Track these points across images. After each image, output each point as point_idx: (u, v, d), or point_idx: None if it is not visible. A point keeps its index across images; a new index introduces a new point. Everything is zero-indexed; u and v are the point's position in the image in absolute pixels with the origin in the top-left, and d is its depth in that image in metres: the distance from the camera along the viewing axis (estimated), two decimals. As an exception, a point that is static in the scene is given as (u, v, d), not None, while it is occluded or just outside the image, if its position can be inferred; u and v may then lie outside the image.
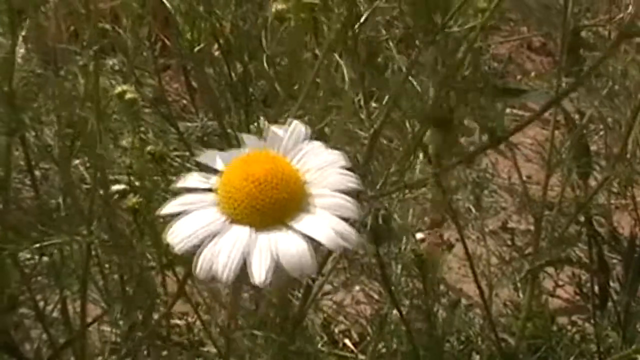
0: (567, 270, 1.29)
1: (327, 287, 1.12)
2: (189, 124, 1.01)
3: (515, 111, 1.26)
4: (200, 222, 0.32)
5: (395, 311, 0.98)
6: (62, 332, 0.78)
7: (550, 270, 1.27)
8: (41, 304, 0.77)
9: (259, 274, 0.31)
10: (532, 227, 1.01)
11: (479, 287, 1.03)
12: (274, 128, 0.35)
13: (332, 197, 0.33)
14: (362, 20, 0.56)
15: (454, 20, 0.59)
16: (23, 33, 0.89)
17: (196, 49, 0.68)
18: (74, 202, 0.65)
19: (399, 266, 0.89)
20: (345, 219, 0.33)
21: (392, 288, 0.82)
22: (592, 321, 1.04)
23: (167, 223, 0.34)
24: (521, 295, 1.14)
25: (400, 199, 0.99)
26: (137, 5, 0.88)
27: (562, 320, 1.25)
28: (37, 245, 0.65)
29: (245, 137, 0.36)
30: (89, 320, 0.81)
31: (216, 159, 0.34)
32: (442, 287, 1.21)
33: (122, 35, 0.92)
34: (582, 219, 1.03)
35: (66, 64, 1.01)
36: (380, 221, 0.70)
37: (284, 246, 0.31)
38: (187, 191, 0.34)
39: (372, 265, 0.97)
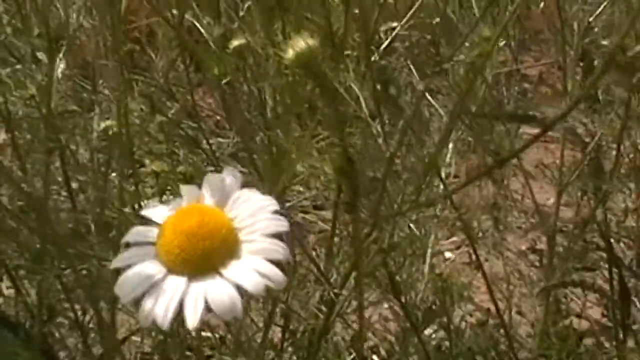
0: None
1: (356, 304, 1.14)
2: (221, 140, 1.03)
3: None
4: (141, 275, 0.35)
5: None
6: (97, 342, 0.80)
7: (579, 292, 1.27)
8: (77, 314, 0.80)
9: (193, 319, 0.35)
10: (560, 249, 1.02)
11: (496, 306, 1.04)
12: (208, 177, 0.38)
13: (261, 242, 0.36)
14: (382, 47, 0.58)
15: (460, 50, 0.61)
16: (63, 50, 0.92)
17: (223, 81, 0.71)
18: (112, 219, 0.67)
19: (422, 286, 0.90)
20: (274, 261, 0.36)
21: (405, 305, 0.83)
22: (614, 343, 1.05)
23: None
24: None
25: (425, 219, 1.01)
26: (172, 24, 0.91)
27: (589, 342, 1.25)
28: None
29: (183, 188, 0.38)
30: (122, 330, 0.83)
31: (157, 212, 0.37)
32: (469, 306, 1.22)
33: (156, 55, 0.95)
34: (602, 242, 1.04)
35: (104, 79, 1.05)
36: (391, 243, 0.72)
37: (213, 294, 0.35)
38: (132, 245, 0.37)
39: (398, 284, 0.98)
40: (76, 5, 0.79)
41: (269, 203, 0.38)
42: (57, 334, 0.85)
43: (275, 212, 0.37)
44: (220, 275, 0.35)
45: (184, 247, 0.35)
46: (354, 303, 1.02)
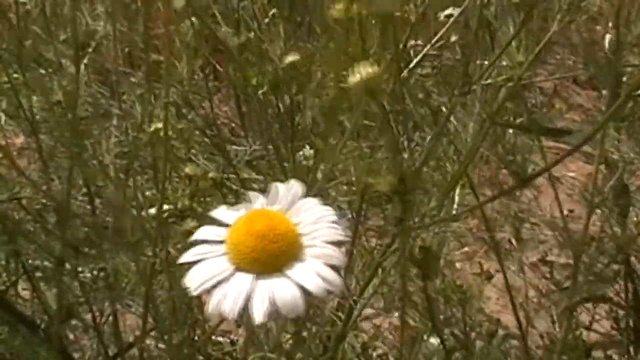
0: (605, 305, 1.30)
1: (368, 311, 1.15)
2: (237, 148, 1.05)
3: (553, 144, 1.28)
4: (212, 270, 0.39)
5: (431, 339, 1.00)
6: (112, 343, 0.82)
7: (588, 304, 1.28)
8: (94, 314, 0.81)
9: (258, 315, 0.37)
10: (571, 261, 1.03)
11: (517, 318, 1.05)
12: (275, 187, 0.42)
13: (322, 248, 0.39)
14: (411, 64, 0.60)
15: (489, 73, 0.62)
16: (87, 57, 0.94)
17: (260, 92, 0.72)
18: (139, 223, 0.69)
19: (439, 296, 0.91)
20: (333, 266, 0.39)
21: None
22: (625, 356, 1.05)
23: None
24: (557, 328, 1.16)
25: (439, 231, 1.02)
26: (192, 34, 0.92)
27: (598, 354, 1.26)
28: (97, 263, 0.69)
29: (251, 194, 0.42)
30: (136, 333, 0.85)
31: (227, 214, 0.41)
32: (480, 317, 1.23)
33: (176, 63, 0.96)
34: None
35: (123, 87, 1.06)
36: (427, 256, 0.73)
37: (279, 292, 0.38)
38: (202, 242, 0.40)
39: (409, 293, 0.99)
40: (99, 13, 0.81)
41: (329, 213, 0.41)
42: (71, 336, 0.86)
43: (334, 221, 0.40)
44: (285, 275, 0.38)
45: (254, 247, 0.38)
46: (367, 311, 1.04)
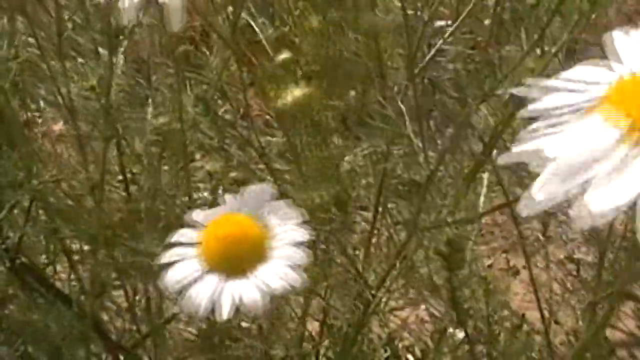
0: (630, 303, 1.31)
1: (393, 304, 1.16)
2: (270, 139, 1.07)
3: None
4: (183, 272, 0.42)
5: (456, 331, 1.02)
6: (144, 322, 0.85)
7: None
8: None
9: (225, 313, 0.41)
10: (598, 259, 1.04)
11: (542, 314, 1.06)
12: (246, 189, 0.45)
13: (286, 249, 0.43)
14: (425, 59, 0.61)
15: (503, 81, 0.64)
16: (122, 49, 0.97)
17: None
18: (168, 209, 0.72)
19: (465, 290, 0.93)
20: (296, 265, 0.43)
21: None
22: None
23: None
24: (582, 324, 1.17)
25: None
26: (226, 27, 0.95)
27: (622, 353, 1.27)
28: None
29: (225, 196, 0.45)
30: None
31: (201, 217, 0.44)
32: (505, 311, 1.25)
33: (210, 54, 0.99)
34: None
35: (158, 76, 1.09)
36: (453, 248, 0.75)
37: (245, 293, 0.41)
38: (177, 245, 0.44)
39: (438, 286, 1.01)
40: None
41: (295, 215, 0.44)
42: (105, 317, 0.89)
43: (300, 223, 0.44)
44: (251, 276, 0.42)
45: (222, 251, 0.42)
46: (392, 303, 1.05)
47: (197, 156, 1.01)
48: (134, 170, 0.91)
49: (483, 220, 1.36)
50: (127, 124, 0.90)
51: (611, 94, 0.25)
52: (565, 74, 0.29)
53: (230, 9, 0.88)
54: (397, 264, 0.73)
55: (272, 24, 0.88)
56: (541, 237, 1.52)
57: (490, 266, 1.60)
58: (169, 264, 0.43)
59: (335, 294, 0.83)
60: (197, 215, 0.44)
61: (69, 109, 0.81)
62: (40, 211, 0.84)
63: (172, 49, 1.09)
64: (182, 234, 0.44)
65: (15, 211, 0.80)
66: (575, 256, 1.51)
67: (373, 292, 0.77)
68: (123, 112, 0.90)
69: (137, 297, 0.84)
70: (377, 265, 0.85)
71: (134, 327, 0.84)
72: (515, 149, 0.27)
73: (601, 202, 0.23)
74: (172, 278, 0.42)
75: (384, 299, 0.97)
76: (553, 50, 0.60)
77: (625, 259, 1.00)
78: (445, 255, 0.83)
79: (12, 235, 0.77)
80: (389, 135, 0.65)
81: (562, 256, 1.55)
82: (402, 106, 0.62)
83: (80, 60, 0.93)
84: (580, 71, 0.29)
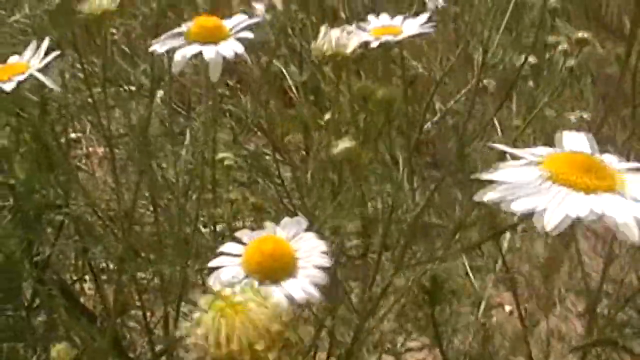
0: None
1: (412, 345, 1.20)
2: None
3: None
4: (227, 275, 0.52)
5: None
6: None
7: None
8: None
9: None
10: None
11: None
12: (285, 219, 0.55)
13: (311, 270, 0.52)
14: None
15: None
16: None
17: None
18: (192, 235, 0.78)
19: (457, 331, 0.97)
20: (317, 284, 0.52)
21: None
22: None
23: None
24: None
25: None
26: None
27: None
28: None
29: (267, 224, 0.55)
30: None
31: (247, 236, 0.54)
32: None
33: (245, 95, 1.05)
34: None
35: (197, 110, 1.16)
36: (436, 284, 0.80)
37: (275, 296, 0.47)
38: (225, 254, 0.54)
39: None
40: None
41: (321, 244, 0.54)
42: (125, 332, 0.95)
43: (324, 252, 0.54)
44: (280, 285, 0.51)
45: (261, 262, 0.52)
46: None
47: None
48: (165, 197, 0.97)
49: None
50: (163, 155, 0.96)
51: (546, 160, 0.42)
52: (527, 150, 0.44)
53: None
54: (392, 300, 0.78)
55: (300, 71, 0.95)
56: (562, 289, 1.55)
57: (511, 313, 1.63)
58: (216, 268, 0.53)
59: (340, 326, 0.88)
60: (242, 234, 0.54)
61: (107, 138, 0.88)
62: (72, 229, 0.90)
63: (212, 87, 1.16)
64: (229, 247, 0.54)
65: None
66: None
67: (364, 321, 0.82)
68: (159, 144, 0.97)
69: (155, 317, 0.89)
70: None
71: (152, 346, 0.90)
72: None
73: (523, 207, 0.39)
74: (216, 278, 0.52)
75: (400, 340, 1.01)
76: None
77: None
78: (428, 291, 0.88)
79: (42, 250, 0.83)
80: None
81: (580, 308, 1.58)
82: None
83: (125, 87, 1.00)
84: (537, 149, 0.45)
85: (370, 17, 0.75)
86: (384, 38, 0.71)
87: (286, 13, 0.82)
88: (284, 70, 1.00)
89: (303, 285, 0.51)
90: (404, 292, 0.72)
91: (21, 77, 0.68)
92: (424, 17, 0.72)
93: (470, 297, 1.28)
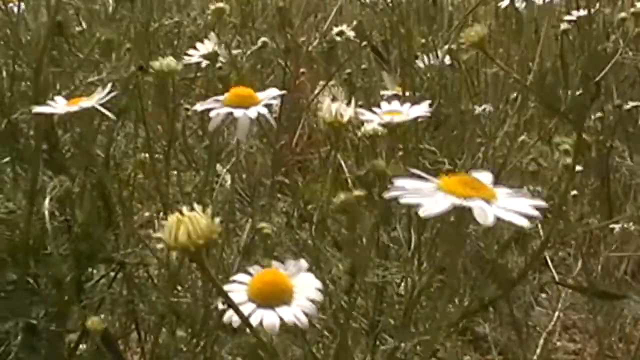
0: None
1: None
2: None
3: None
4: (236, 299, 0.61)
5: None
6: None
7: None
8: None
9: (254, 324, 0.59)
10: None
11: None
12: (288, 262, 0.63)
13: (303, 301, 0.61)
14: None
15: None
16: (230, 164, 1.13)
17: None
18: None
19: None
20: (307, 313, 0.60)
21: None
22: None
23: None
24: None
25: None
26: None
27: None
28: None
29: (273, 262, 0.64)
30: None
31: (256, 269, 0.63)
32: None
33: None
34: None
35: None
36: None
37: (267, 318, 0.60)
38: (236, 282, 0.63)
39: None
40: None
41: (317, 282, 0.62)
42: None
43: (318, 289, 0.62)
44: (275, 310, 0.60)
45: (261, 288, 0.61)
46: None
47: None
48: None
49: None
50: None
51: (442, 179, 0.54)
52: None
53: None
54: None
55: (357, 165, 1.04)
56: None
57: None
58: (227, 291, 0.61)
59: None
60: (252, 268, 0.63)
61: (166, 206, 0.96)
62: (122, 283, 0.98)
63: (272, 174, 1.25)
64: (240, 277, 0.63)
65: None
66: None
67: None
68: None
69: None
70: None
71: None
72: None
73: (425, 209, 0.51)
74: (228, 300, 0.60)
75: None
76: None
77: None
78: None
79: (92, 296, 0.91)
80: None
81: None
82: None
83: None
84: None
85: (384, 103, 0.87)
86: (389, 118, 0.82)
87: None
88: (342, 163, 1.09)
89: (294, 311, 0.59)
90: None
91: (86, 104, 0.79)
92: (424, 104, 0.84)
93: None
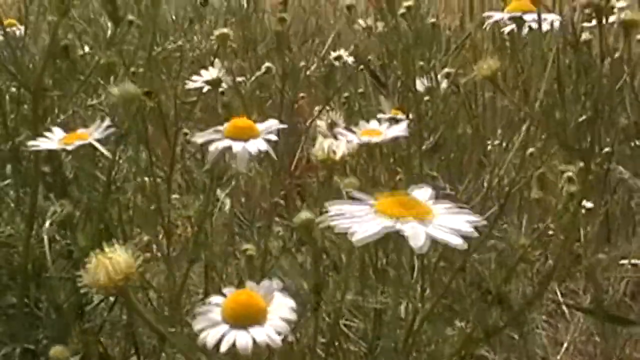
0: None
1: None
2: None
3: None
4: (207, 321, 0.61)
5: None
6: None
7: None
8: None
9: (224, 348, 0.59)
10: None
11: None
12: (263, 283, 0.64)
13: (277, 321, 0.61)
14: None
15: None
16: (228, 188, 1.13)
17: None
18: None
19: None
20: (280, 332, 0.61)
21: None
22: None
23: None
24: None
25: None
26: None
27: None
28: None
29: (248, 283, 0.64)
30: None
31: (229, 290, 0.64)
32: None
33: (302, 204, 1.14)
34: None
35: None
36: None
37: (240, 339, 0.60)
38: (210, 304, 0.63)
39: None
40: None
41: (290, 302, 0.62)
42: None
43: (290, 307, 0.62)
44: (247, 330, 0.60)
45: (234, 308, 0.62)
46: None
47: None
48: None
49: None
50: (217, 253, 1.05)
51: (378, 201, 0.54)
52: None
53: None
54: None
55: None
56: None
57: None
58: (201, 313, 0.62)
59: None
60: (227, 290, 0.64)
61: (167, 230, 0.96)
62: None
63: (270, 199, 1.25)
64: (216, 298, 0.63)
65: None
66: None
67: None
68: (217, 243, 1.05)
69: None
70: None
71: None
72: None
73: (357, 236, 0.51)
74: (199, 323, 0.61)
75: None
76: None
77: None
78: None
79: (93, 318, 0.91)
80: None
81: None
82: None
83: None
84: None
85: (362, 122, 0.89)
86: (366, 139, 0.85)
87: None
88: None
89: (267, 331, 0.60)
90: None
91: (81, 143, 0.81)
92: (403, 124, 0.87)
93: None
